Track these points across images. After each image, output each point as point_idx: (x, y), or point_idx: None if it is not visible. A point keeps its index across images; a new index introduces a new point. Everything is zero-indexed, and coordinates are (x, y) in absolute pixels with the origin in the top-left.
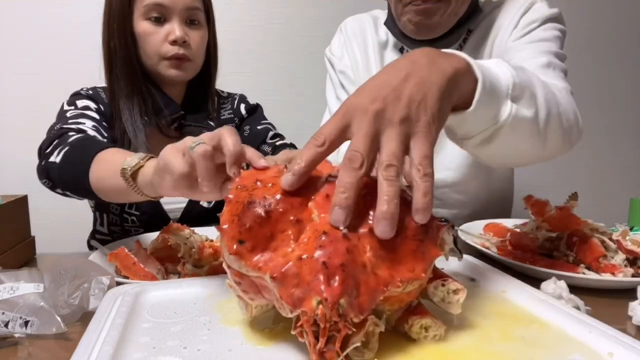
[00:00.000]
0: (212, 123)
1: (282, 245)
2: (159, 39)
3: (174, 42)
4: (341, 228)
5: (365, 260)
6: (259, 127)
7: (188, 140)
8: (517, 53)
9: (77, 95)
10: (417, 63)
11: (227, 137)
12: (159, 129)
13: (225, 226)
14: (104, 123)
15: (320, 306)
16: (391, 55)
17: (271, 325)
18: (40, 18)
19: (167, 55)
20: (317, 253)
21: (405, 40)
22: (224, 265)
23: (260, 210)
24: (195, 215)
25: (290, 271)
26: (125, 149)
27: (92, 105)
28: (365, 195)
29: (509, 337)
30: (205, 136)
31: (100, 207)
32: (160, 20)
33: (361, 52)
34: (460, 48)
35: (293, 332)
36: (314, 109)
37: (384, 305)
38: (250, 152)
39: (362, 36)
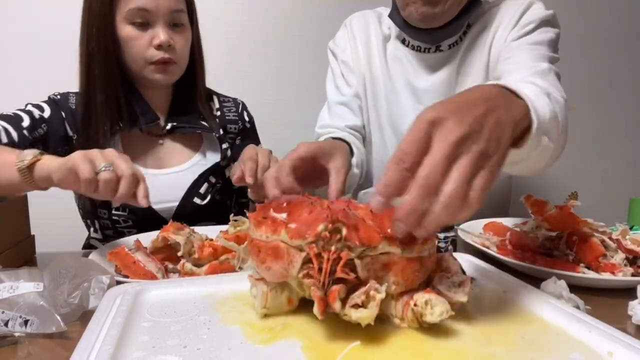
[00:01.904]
0: (205, 123)
1: (297, 211)
2: (143, 44)
3: (159, 47)
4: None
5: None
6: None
7: (99, 157)
8: (516, 53)
9: (44, 100)
10: (493, 100)
11: (123, 169)
12: (140, 130)
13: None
14: (39, 129)
15: (325, 231)
16: (393, 46)
17: (271, 325)
18: (40, 18)
19: (152, 59)
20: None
21: (408, 30)
22: (247, 242)
23: (280, 201)
24: (189, 212)
25: (302, 218)
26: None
27: (46, 110)
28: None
29: (509, 337)
30: (118, 164)
31: (88, 215)
32: (144, 25)
33: (363, 46)
34: (460, 40)
35: (299, 275)
36: (314, 108)
37: (388, 275)
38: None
39: (366, 31)
